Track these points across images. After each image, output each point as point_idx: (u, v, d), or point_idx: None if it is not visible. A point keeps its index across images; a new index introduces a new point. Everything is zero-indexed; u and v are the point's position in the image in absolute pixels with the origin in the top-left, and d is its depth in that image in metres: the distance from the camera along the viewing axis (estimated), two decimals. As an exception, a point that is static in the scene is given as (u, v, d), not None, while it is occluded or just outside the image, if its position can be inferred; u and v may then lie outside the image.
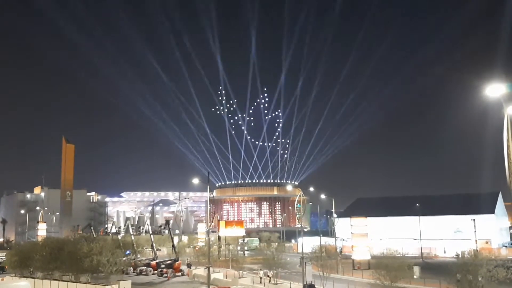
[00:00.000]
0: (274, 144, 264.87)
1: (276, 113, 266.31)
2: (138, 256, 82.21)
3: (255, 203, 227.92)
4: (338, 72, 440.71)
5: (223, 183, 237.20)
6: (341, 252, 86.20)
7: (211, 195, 64.17)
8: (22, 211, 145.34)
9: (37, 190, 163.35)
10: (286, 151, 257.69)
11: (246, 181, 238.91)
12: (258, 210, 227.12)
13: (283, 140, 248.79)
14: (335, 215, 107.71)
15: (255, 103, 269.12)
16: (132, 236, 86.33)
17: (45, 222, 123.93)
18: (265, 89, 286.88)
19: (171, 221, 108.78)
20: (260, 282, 54.29)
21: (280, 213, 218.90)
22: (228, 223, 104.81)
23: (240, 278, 56.69)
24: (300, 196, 60.57)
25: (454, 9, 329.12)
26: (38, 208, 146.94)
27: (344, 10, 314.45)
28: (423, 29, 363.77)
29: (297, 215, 64.55)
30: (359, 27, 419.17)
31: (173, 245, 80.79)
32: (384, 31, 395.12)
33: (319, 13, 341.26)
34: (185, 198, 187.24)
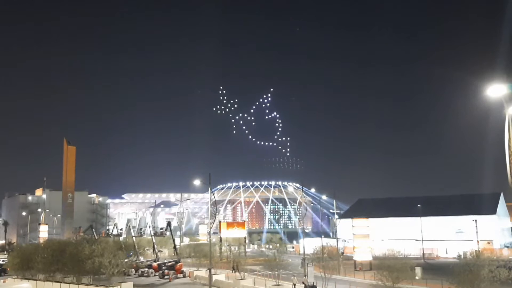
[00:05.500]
0: (275, 144, 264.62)
1: (277, 114, 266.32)
2: (140, 257, 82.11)
3: (256, 204, 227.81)
4: (340, 73, 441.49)
5: (224, 184, 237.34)
6: (342, 253, 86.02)
7: (213, 197, 64.00)
8: (24, 213, 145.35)
9: (38, 192, 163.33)
10: (287, 153, 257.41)
11: (247, 183, 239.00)
12: (259, 212, 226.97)
13: (283, 139, 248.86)
14: (336, 216, 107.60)
15: (258, 102, 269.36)
16: (134, 238, 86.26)
17: (46, 224, 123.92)
18: (271, 89, 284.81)
19: (172, 222, 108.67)
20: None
21: (281, 214, 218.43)
22: (230, 225, 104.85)
23: (242, 279, 56.59)
24: (301, 197, 60.48)
25: (456, 10, 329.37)
26: (39, 210, 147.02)
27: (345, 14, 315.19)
28: (425, 31, 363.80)
29: (299, 217, 64.33)
30: (359, 27, 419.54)
31: (174, 247, 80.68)
32: (386, 33, 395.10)
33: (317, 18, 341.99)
34: (187, 199, 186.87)
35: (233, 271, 65.75)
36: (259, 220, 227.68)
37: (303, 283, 49.58)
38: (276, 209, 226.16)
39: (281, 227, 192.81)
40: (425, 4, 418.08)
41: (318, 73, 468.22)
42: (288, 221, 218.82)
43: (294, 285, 50.24)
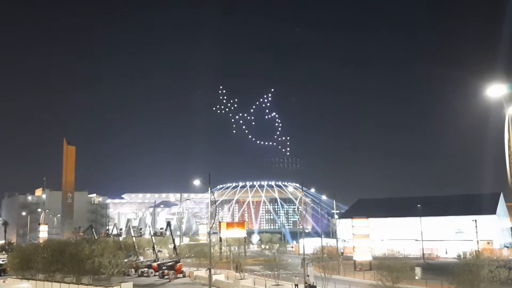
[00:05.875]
0: (275, 144, 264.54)
1: (277, 114, 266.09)
2: (140, 257, 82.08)
3: (256, 204, 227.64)
4: (340, 73, 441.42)
5: (224, 184, 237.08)
6: (342, 253, 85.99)
7: (212, 197, 63.95)
8: (24, 213, 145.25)
9: (38, 192, 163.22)
10: (287, 153, 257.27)
11: (247, 183, 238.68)
12: (259, 212, 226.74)
13: (283, 138, 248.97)
14: (336, 216, 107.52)
15: (258, 102, 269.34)
16: (134, 238, 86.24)
17: (46, 224, 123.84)
18: (271, 89, 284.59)
19: (171, 222, 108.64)
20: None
21: (281, 214, 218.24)
22: (229, 225, 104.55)
23: (241, 279, 56.59)
24: (301, 197, 60.44)
25: (456, 10, 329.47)
26: (39, 210, 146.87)
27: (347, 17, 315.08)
28: (425, 31, 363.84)
29: (298, 217, 64.21)
30: (359, 27, 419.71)
31: (174, 247, 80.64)
32: (386, 33, 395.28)
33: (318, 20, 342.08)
34: (186, 199, 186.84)
35: (235, 271, 65.66)
36: (259, 220, 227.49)
37: (305, 283, 49.55)
38: (276, 209, 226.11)
39: (281, 227, 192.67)
40: (425, 4, 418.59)
41: (318, 73, 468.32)
42: (287, 221, 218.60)
43: (296, 285, 50.19)
